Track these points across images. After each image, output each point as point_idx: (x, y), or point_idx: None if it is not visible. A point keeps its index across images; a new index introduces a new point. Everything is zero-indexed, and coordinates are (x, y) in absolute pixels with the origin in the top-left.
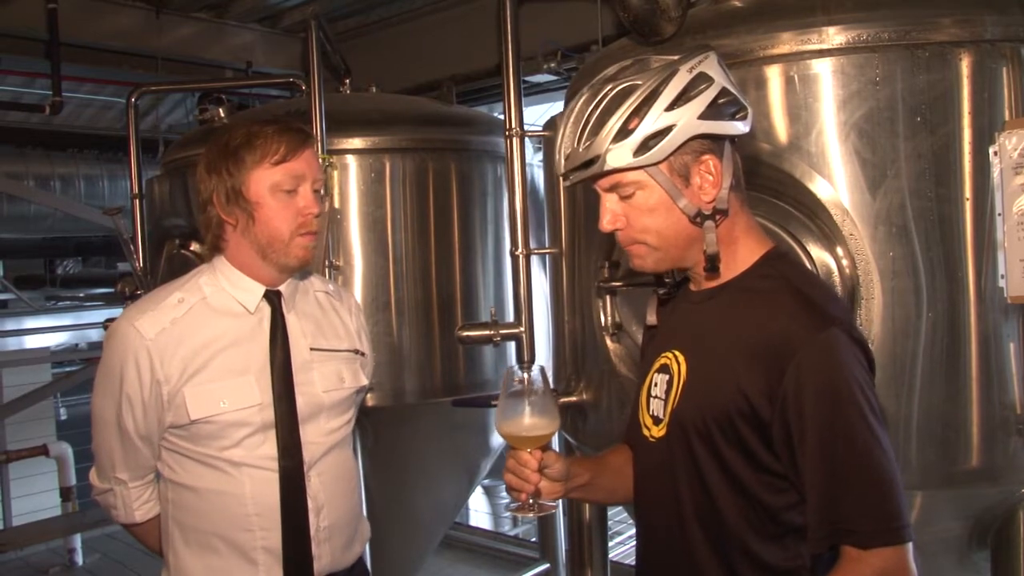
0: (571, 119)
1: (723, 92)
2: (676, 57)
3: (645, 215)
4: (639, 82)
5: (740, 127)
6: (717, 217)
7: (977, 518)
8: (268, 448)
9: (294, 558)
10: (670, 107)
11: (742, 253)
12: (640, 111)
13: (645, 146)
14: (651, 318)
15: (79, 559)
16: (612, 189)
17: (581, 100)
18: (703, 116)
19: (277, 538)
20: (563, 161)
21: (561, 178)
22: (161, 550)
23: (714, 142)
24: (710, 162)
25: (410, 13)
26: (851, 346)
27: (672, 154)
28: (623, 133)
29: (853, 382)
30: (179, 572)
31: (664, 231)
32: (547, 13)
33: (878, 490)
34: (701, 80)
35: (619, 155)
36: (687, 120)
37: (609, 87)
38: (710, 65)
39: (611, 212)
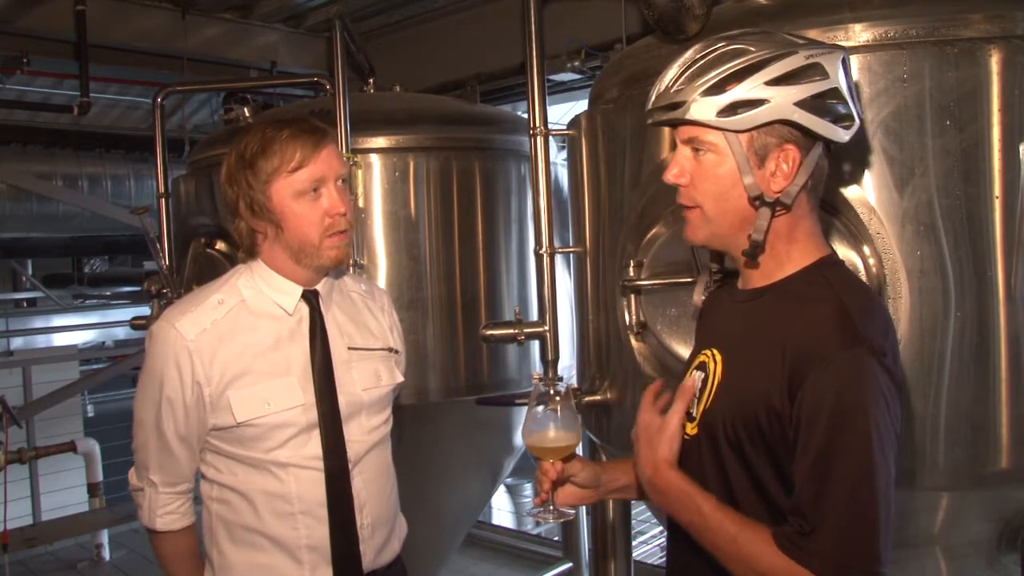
0: (678, 62)
1: (833, 92)
2: (803, 41)
3: (709, 179)
4: (752, 49)
5: (837, 132)
6: (777, 209)
7: (1006, 520)
8: (313, 448)
9: (343, 556)
10: (771, 83)
11: (796, 256)
12: (741, 76)
13: (731, 109)
14: (697, 297)
15: (106, 554)
16: (688, 142)
17: (693, 48)
18: (800, 104)
19: (321, 536)
20: (653, 97)
21: (647, 116)
22: (165, 566)
23: (804, 136)
24: (791, 153)
25: (434, 12)
26: (878, 372)
27: (755, 129)
28: (716, 89)
29: (871, 408)
30: (224, 570)
31: (721, 202)
32: (571, 11)
33: (865, 527)
34: (814, 70)
35: (703, 108)
36: (781, 101)
37: (723, 44)
38: (830, 61)
39: (680, 165)
